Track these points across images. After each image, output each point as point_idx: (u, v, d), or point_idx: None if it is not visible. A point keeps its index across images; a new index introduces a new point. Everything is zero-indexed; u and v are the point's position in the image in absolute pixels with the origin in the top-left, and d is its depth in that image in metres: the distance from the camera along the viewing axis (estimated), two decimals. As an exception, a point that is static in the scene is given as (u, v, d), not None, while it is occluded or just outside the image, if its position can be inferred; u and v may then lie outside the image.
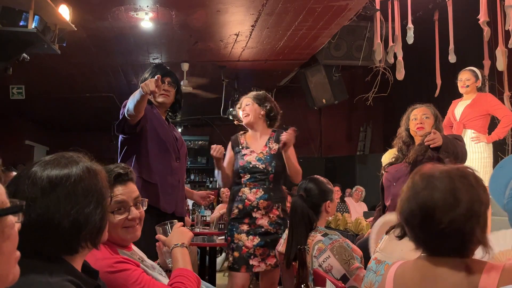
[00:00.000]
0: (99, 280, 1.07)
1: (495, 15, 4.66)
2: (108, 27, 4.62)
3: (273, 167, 2.73)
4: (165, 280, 1.48)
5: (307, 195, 2.16)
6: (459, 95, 3.93)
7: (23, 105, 7.28)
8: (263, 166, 2.74)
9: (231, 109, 6.79)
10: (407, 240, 1.54)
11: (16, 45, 3.24)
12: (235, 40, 5.11)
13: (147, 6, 4.19)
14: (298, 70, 6.43)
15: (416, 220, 1.09)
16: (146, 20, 4.43)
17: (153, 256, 1.67)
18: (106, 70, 6.19)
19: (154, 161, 2.39)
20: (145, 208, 1.54)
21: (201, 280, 1.56)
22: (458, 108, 3.87)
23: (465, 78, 3.82)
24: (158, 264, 1.65)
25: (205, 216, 6.02)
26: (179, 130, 10.39)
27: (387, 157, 3.59)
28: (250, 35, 4.95)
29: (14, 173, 1.01)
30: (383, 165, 3.63)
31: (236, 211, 2.74)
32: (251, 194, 2.72)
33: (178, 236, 1.53)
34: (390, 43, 5.24)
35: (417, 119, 2.59)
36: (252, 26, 4.69)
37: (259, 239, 2.69)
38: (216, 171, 2.85)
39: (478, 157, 3.67)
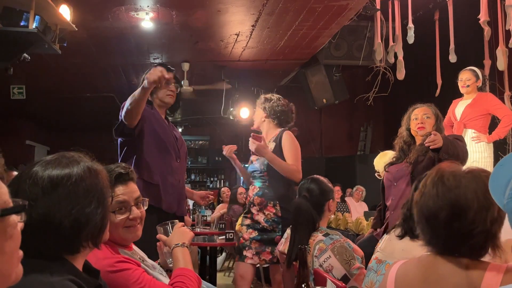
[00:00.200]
0: (100, 280, 1.07)
1: (496, 14, 4.65)
2: (108, 27, 4.62)
3: (265, 165, 2.81)
4: (165, 280, 1.48)
5: (310, 195, 2.16)
6: (460, 95, 3.93)
7: (24, 105, 7.28)
8: (258, 164, 2.86)
9: (231, 109, 6.79)
10: (408, 240, 1.54)
11: (17, 45, 3.24)
12: (236, 40, 5.11)
13: (148, 6, 4.20)
14: (298, 70, 6.43)
15: (442, 218, 1.07)
16: (146, 20, 4.43)
17: (154, 256, 1.67)
18: (107, 70, 6.19)
19: (154, 161, 2.38)
20: (145, 207, 1.54)
21: (202, 280, 1.56)
22: (458, 108, 3.87)
23: (465, 78, 3.81)
24: (159, 264, 1.65)
25: (206, 216, 6.03)
26: (180, 130, 10.39)
27: (378, 160, 3.63)
28: (251, 35, 4.95)
29: (15, 173, 1.01)
30: (375, 168, 3.67)
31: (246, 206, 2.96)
32: (250, 191, 2.90)
33: (179, 236, 1.53)
34: (391, 43, 5.24)
35: (418, 118, 2.59)
36: (252, 26, 4.69)
37: (256, 233, 2.80)
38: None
39: (478, 156, 3.67)
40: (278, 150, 2.82)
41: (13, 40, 3.16)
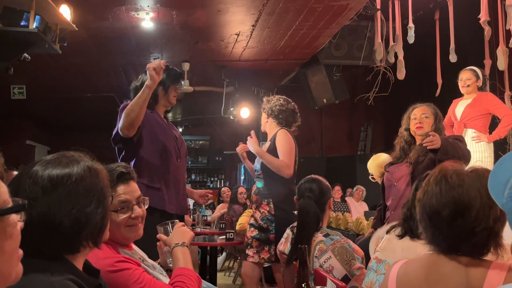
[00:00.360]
0: (100, 279, 1.07)
1: (496, 14, 4.65)
2: (109, 27, 4.62)
3: (260, 164, 2.94)
4: (166, 279, 1.48)
5: (313, 195, 2.18)
6: (460, 95, 3.92)
7: (24, 105, 7.29)
8: (257, 164, 2.99)
9: (231, 108, 6.79)
10: (408, 239, 1.54)
11: (17, 45, 3.24)
12: (236, 39, 5.11)
13: (148, 6, 4.20)
14: (298, 69, 6.43)
15: (445, 215, 1.07)
16: (147, 20, 4.43)
17: (156, 256, 1.68)
18: (107, 70, 6.20)
19: (155, 164, 2.35)
20: (146, 206, 1.54)
21: (202, 279, 1.56)
22: (458, 108, 3.87)
23: (465, 78, 3.81)
24: (159, 263, 1.65)
25: (206, 215, 6.03)
26: (180, 130, 10.40)
27: (371, 163, 3.67)
28: (251, 34, 4.95)
29: (15, 173, 1.01)
30: (369, 171, 3.71)
31: None
32: (252, 190, 3.03)
33: (179, 236, 1.53)
34: (391, 43, 5.24)
35: (417, 118, 2.60)
36: (252, 25, 4.69)
37: (256, 232, 2.88)
38: None
39: (479, 156, 3.66)
40: (273, 149, 2.91)
41: (14, 40, 3.16)
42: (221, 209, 6.34)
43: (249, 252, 2.87)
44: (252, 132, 2.99)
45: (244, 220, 4.51)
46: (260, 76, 6.77)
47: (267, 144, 2.98)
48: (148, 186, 2.28)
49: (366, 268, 1.82)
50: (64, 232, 0.93)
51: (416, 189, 1.31)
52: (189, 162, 10.84)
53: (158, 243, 1.63)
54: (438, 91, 5.26)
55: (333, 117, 8.71)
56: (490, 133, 3.76)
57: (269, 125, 3.04)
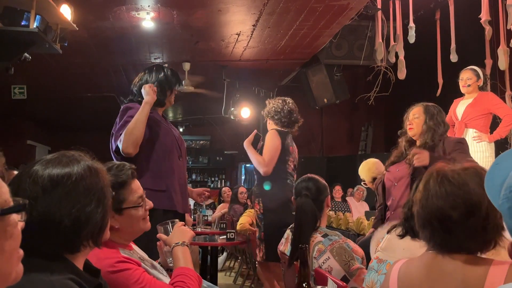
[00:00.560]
0: (100, 279, 1.07)
1: (497, 14, 4.65)
2: (109, 27, 4.62)
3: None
4: (166, 279, 1.48)
5: (310, 193, 2.18)
6: (461, 94, 3.92)
7: (25, 105, 7.29)
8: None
9: (232, 108, 6.79)
10: (409, 239, 1.54)
11: (18, 45, 3.24)
12: (236, 39, 5.11)
13: (149, 6, 4.20)
14: (299, 69, 6.43)
15: (457, 216, 1.06)
16: (147, 20, 4.43)
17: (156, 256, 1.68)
18: (108, 70, 6.20)
19: (158, 167, 2.32)
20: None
21: (203, 279, 1.56)
22: (459, 107, 3.86)
23: (466, 77, 3.81)
24: (159, 263, 1.65)
25: (207, 215, 6.03)
26: (181, 130, 10.42)
27: (362, 169, 3.75)
28: (251, 34, 4.95)
29: (16, 172, 1.01)
30: (361, 177, 3.78)
31: None
32: None
33: (179, 235, 1.53)
34: (392, 43, 5.23)
35: (409, 120, 2.61)
36: (253, 25, 4.69)
37: (258, 231, 3.03)
38: None
39: (480, 156, 3.66)
40: (262, 147, 3.04)
41: (14, 40, 3.16)
42: (222, 209, 6.34)
43: (256, 251, 3.03)
44: (255, 131, 3.12)
45: (244, 220, 4.51)
46: (261, 76, 6.76)
47: (261, 144, 3.08)
48: (153, 190, 2.21)
49: (367, 268, 1.82)
50: (64, 231, 0.93)
51: (416, 190, 1.31)
52: (190, 162, 10.84)
53: (158, 243, 1.63)
54: (439, 91, 5.26)
55: (334, 117, 8.71)
56: (491, 133, 3.75)
57: (268, 126, 3.15)
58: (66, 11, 3.44)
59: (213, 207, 7.39)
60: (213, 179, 10.94)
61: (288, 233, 2.33)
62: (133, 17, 4.42)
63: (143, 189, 1.55)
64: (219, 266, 5.65)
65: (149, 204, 1.55)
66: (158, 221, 1.64)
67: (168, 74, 2.49)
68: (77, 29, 3.65)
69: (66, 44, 3.61)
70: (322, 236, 2.05)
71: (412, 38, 4.97)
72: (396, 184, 2.60)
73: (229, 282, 5.34)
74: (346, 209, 6.24)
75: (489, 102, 3.75)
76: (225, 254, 6.38)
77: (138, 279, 1.32)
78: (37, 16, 3.09)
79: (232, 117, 6.89)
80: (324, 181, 2.29)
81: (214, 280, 4.12)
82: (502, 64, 4.45)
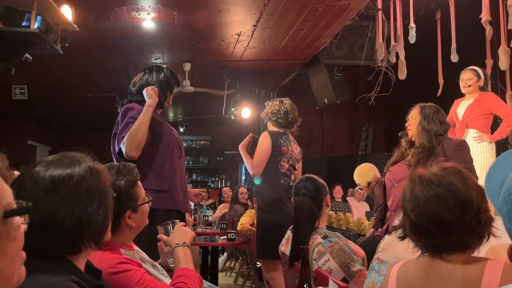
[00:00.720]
0: (102, 280, 1.07)
1: (498, 14, 4.65)
2: (110, 27, 4.62)
3: None
4: (167, 280, 1.48)
5: (308, 192, 2.18)
6: (462, 95, 3.92)
7: (26, 105, 7.30)
8: None
9: (232, 109, 6.79)
10: (409, 240, 1.54)
11: (19, 45, 3.24)
12: (237, 40, 5.11)
13: (149, 6, 4.20)
14: (300, 70, 6.43)
15: (452, 217, 1.09)
16: (148, 20, 4.43)
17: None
18: (108, 70, 6.20)
19: (161, 166, 2.31)
20: None
21: (203, 279, 1.56)
22: (460, 108, 3.86)
23: (467, 78, 3.80)
24: (160, 264, 1.65)
25: (207, 216, 6.03)
26: (181, 130, 10.42)
27: (356, 175, 3.86)
28: (252, 35, 4.95)
29: (16, 173, 1.01)
30: (356, 182, 3.85)
31: None
32: None
33: (179, 236, 1.53)
34: (392, 43, 5.23)
35: (407, 121, 2.62)
36: (254, 26, 4.69)
37: None
38: None
39: (480, 156, 3.66)
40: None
41: (15, 40, 3.16)
42: (223, 209, 6.34)
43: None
44: (250, 135, 3.22)
45: (245, 220, 4.51)
46: (261, 76, 6.76)
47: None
48: (156, 191, 2.22)
49: (368, 269, 1.82)
50: (66, 232, 0.93)
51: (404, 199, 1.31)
52: (190, 162, 10.84)
53: (158, 244, 1.63)
54: (440, 91, 5.26)
55: (334, 117, 8.71)
56: (492, 133, 3.75)
57: (268, 127, 3.20)
58: (67, 12, 3.45)
59: (213, 207, 7.39)
60: (213, 179, 10.94)
61: (288, 234, 2.33)
62: (133, 18, 4.42)
63: (147, 189, 1.57)
64: (220, 266, 5.65)
65: (150, 199, 1.61)
66: (161, 221, 1.64)
67: (168, 75, 2.48)
68: (78, 29, 3.65)
69: (67, 45, 3.62)
70: (322, 238, 2.05)
71: (412, 38, 4.97)
72: (396, 184, 2.61)
73: (229, 283, 5.34)
74: (346, 209, 6.23)
75: (490, 103, 3.75)
76: (225, 254, 6.38)
77: (139, 280, 1.32)
78: (38, 16, 3.09)
79: (232, 117, 6.89)
80: (322, 181, 2.29)
81: (214, 281, 4.12)
82: (503, 64, 4.45)
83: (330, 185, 6.85)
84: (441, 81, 5.32)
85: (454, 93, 4.13)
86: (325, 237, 2.05)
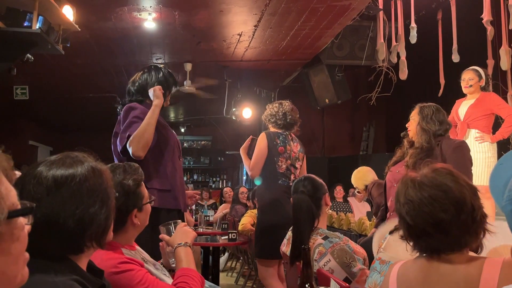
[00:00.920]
0: (104, 280, 1.07)
1: (499, 14, 4.64)
2: (111, 28, 4.63)
3: None
4: (168, 280, 1.48)
5: (306, 190, 2.18)
6: (463, 95, 3.92)
7: (27, 106, 7.30)
8: None
9: (234, 109, 6.79)
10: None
11: (20, 45, 3.25)
12: (238, 40, 5.11)
13: (150, 7, 4.20)
14: (301, 70, 6.43)
15: (449, 217, 1.09)
16: (149, 21, 4.43)
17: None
18: (109, 71, 6.20)
19: (164, 166, 2.31)
20: None
21: (205, 279, 1.56)
22: (462, 108, 3.86)
23: (468, 78, 3.80)
24: (161, 264, 1.65)
25: (209, 216, 6.03)
26: (182, 130, 10.43)
27: (353, 177, 3.88)
28: (253, 35, 4.95)
29: (17, 173, 1.01)
30: (354, 185, 3.87)
31: None
32: None
33: (181, 236, 1.54)
34: (393, 43, 5.23)
35: (408, 122, 2.63)
36: (255, 26, 4.69)
37: None
38: None
39: (482, 156, 3.65)
40: None
41: (17, 40, 3.17)
42: (224, 209, 6.34)
43: None
44: (250, 137, 3.22)
45: (246, 220, 4.51)
46: (262, 77, 6.76)
47: None
48: (159, 190, 2.24)
49: (369, 269, 1.82)
50: (68, 232, 0.94)
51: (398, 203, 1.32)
52: (191, 163, 10.85)
53: (160, 244, 1.63)
54: (441, 91, 5.25)
55: (335, 117, 8.70)
56: (494, 133, 3.75)
57: (269, 129, 3.23)
58: (68, 12, 3.45)
59: (215, 207, 7.40)
60: (214, 179, 10.94)
61: (289, 234, 2.33)
62: (135, 18, 4.43)
63: (151, 189, 1.57)
64: (221, 266, 5.65)
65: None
66: (163, 220, 1.64)
67: (167, 75, 2.48)
68: (79, 30, 3.66)
69: (68, 45, 3.63)
70: (322, 239, 2.05)
71: (413, 38, 4.96)
72: (395, 185, 2.61)
73: (230, 283, 5.34)
74: (347, 209, 6.23)
75: (492, 103, 3.75)
76: (226, 254, 6.38)
77: (141, 280, 1.32)
78: (40, 17, 3.10)
79: (233, 118, 6.89)
80: (321, 180, 2.30)
81: (216, 281, 4.12)
82: (504, 64, 4.44)
83: (331, 186, 6.86)
84: (442, 81, 5.31)
85: (455, 93, 4.12)
86: (325, 237, 2.05)
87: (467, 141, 3.63)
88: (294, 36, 4.98)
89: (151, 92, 2.31)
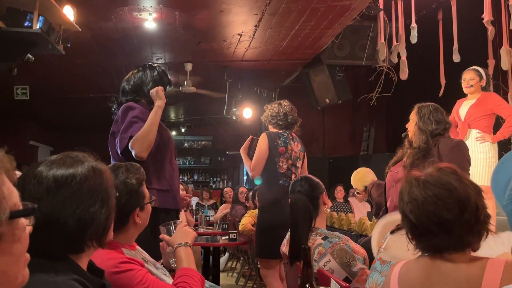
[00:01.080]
0: (104, 279, 1.07)
1: (499, 14, 4.64)
2: (112, 28, 4.63)
3: None
4: (169, 280, 1.48)
5: (303, 190, 2.18)
6: (464, 95, 3.91)
7: (27, 106, 7.31)
8: None
9: (234, 109, 6.79)
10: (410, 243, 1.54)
11: (21, 45, 3.25)
12: (239, 40, 5.11)
13: (151, 7, 4.20)
14: (301, 70, 6.43)
15: (453, 216, 1.09)
16: (149, 21, 4.43)
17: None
18: (110, 71, 6.21)
19: (162, 166, 2.31)
20: None
21: (205, 279, 1.56)
22: (462, 108, 3.85)
23: (468, 78, 3.80)
24: (162, 264, 1.65)
25: (209, 216, 6.03)
26: (182, 130, 10.43)
27: (352, 178, 3.88)
28: (253, 35, 4.95)
29: (18, 173, 1.01)
30: (353, 186, 3.89)
31: None
32: None
33: (181, 236, 1.54)
34: (394, 43, 5.22)
35: (408, 123, 2.64)
36: (255, 26, 4.69)
37: None
38: None
39: (483, 157, 3.65)
40: None
41: (17, 40, 3.17)
42: (224, 209, 6.34)
43: None
44: (250, 137, 3.23)
45: (246, 220, 4.51)
46: (263, 77, 6.76)
47: None
48: (158, 190, 2.23)
49: (369, 269, 1.81)
50: (69, 232, 0.94)
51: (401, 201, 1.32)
52: (192, 163, 10.85)
53: (161, 244, 1.63)
54: (442, 91, 5.25)
55: (336, 118, 8.70)
56: (495, 133, 3.74)
57: (271, 130, 3.23)
58: (69, 12, 3.45)
59: (215, 207, 7.40)
60: (215, 179, 10.94)
61: (289, 234, 2.33)
62: (135, 18, 4.43)
63: (150, 189, 1.57)
64: (221, 266, 5.65)
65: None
66: (162, 220, 1.64)
67: (161, 74, 2.48)
68: (80, 30, 3.66)
69: (68, 45, 3.63)
70: (322, 239, 2.05)
71: (414, 39, 4.96)
72: (394, 185, 2.61)
73: (231, 283, 5.34)
74: (348, 209, 6.22)
75: (492, 103, 3.74)
76: (227, 254, 6.38)
77: (142, 280, 1.32)
78: (40, 17, 3.10)
79: (234, 118, 6.89)
80: (318, 180, 2.30)
81: (216, 281, 4.12)
82: (505, 64, 4.44)
83: (331, 186, 6.85)
84: (443, 81, 5.31)
85: (456, 93, 4.12)
86: (325, 238, 2.05)
87: (468, 141, 3.63)
88: (294, 36, 4.98)
89: (153, 93, 2.30)
